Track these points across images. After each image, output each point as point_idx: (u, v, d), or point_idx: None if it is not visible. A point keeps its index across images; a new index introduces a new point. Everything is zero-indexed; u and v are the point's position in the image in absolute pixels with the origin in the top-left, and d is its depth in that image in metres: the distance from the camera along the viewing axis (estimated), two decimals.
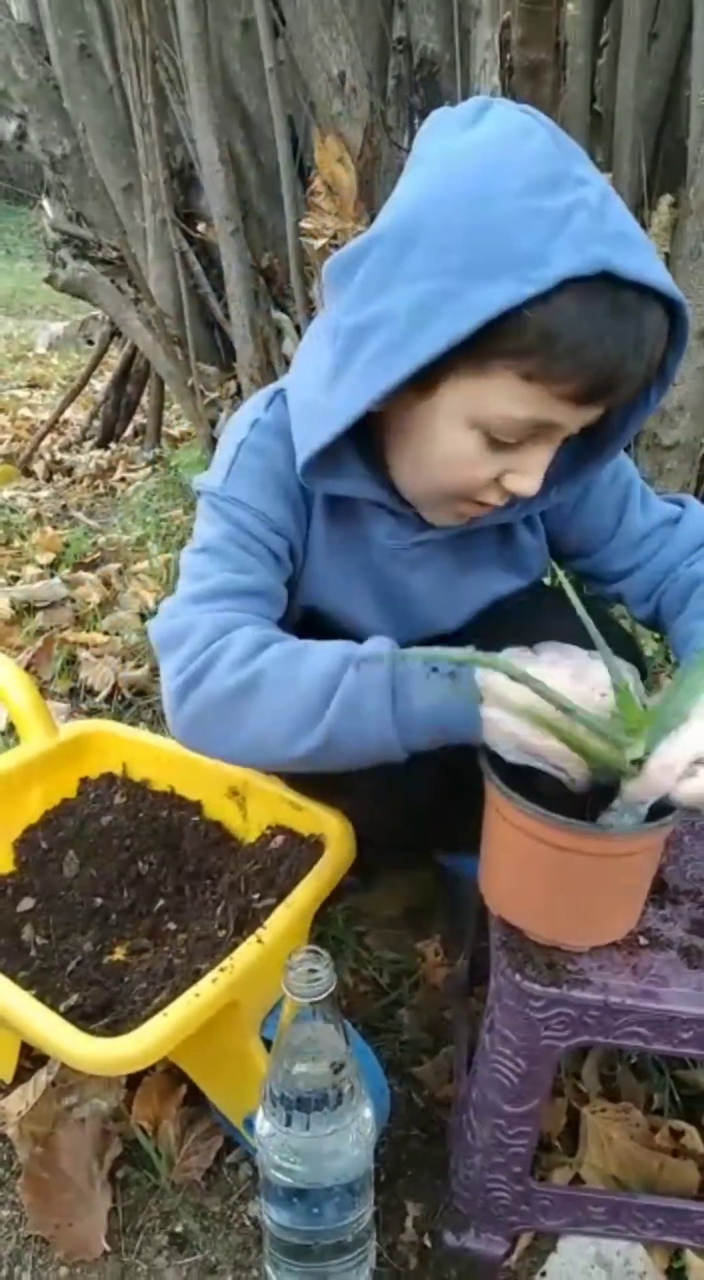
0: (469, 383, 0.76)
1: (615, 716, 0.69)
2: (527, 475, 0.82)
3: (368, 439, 0.88)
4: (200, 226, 2.29)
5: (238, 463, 0.91)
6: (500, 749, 0.75)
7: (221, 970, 0.82)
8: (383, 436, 0.88)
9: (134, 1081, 1.05)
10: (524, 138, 0.71)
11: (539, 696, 0.67)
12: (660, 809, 0.72)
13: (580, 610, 0.68)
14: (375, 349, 0.75)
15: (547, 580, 1.15)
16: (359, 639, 0.84)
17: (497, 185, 0.69)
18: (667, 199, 1.66)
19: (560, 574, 0.79)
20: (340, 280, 0.79)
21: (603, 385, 0.74)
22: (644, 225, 1.70)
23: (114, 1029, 0.85)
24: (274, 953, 0.85)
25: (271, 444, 0.91)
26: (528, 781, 0.74)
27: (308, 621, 1.00)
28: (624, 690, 0.67)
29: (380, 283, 0.74)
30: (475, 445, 0.80)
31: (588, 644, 0.73)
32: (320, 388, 0.82)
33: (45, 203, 2.71)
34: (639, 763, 0.69)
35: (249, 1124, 0.90)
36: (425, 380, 0.76)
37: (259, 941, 0.86)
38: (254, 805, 1.09)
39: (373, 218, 1.63)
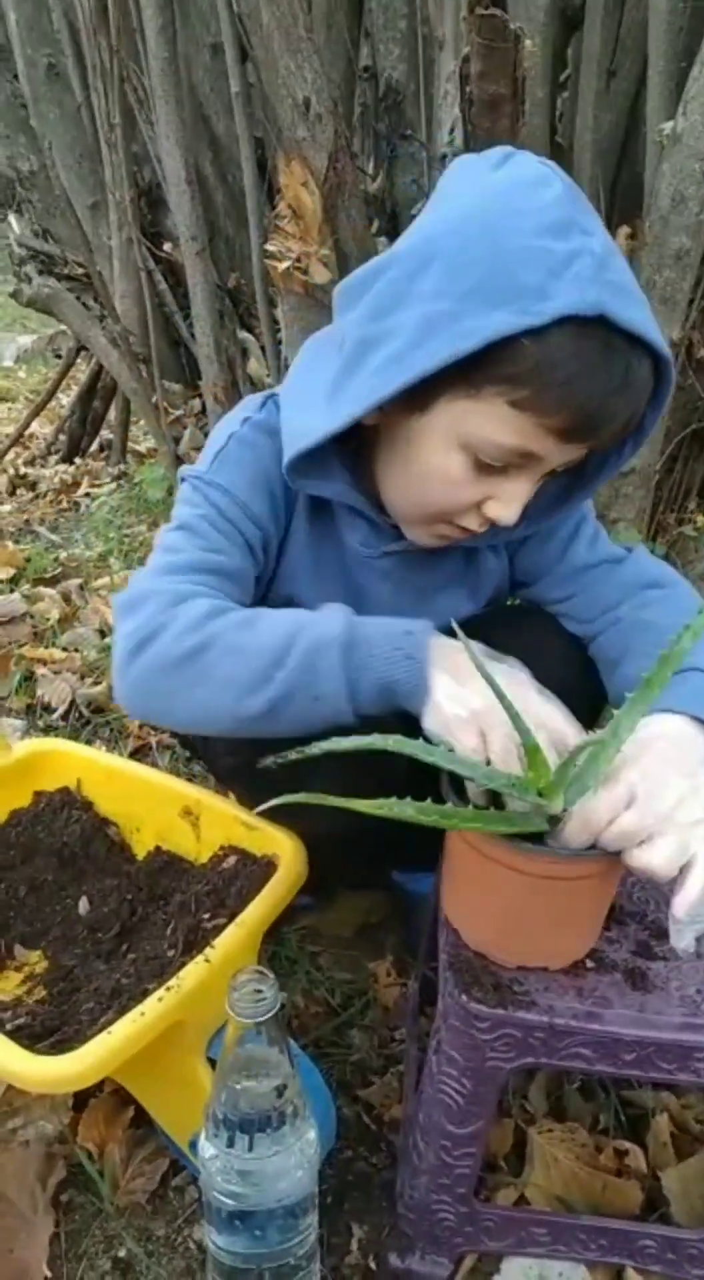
0: (463, 404, 0.79)
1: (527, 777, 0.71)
2: (507, 504, 0.84)
3: (357, 449, 0.91)
4: (167, 246, 2.31)
5: (226, 451, 0.95)
6: (434, 734, 0.77)
7: (168, 989, 0.82)
8: (374, 450, 0.91)
9: (81, 1103, 1.04)
10: (541, 186, 0.75)
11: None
12: None
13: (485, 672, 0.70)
14: (380, 360, 0.79)
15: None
16: None
17: (511, 223, 0.73)
18: (624, 230, 1.70)
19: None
20: (351, 298, 0.83)
21: (587, 423, 0.77)
22: None
23: (60, 1049, 0.84)
24: (222, 972, 0.85)
25: (261, 440, 0.94)
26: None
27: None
28: (533, 751, 0.68)
29: (393, 300, 0.78)
30: (461, 467, 0.82)
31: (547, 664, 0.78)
32: (320, 393, 0.86)
33: (12, 218, 2.71)
34: (556, 819, 0.71)
35: (195, 1146, 0.89)
36: (422, 396, 0.79)
37: (207, 961, 0.85)
38: (207, 826, 1.08)
39: (337, 242, 1.66)
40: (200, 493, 0.93)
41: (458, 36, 1.61)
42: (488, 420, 0.78)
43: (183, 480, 0.96)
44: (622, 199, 1.82)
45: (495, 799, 0.76)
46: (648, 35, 1.63)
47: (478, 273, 0.73)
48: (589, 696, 1.01)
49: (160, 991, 0.81)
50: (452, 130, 1.59)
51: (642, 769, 0.72)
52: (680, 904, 0.70)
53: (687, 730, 0.80)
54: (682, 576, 1.02)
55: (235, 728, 0.84)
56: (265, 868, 0.99)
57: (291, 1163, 0.73)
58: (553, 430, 0.77)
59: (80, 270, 2.60)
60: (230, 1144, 0.72)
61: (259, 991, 0.70)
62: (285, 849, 0.98)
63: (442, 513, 0.88)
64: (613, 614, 0.99)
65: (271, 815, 1.01)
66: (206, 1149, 0.74)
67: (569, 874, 0.73)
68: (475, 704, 0.75)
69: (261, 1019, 0.69)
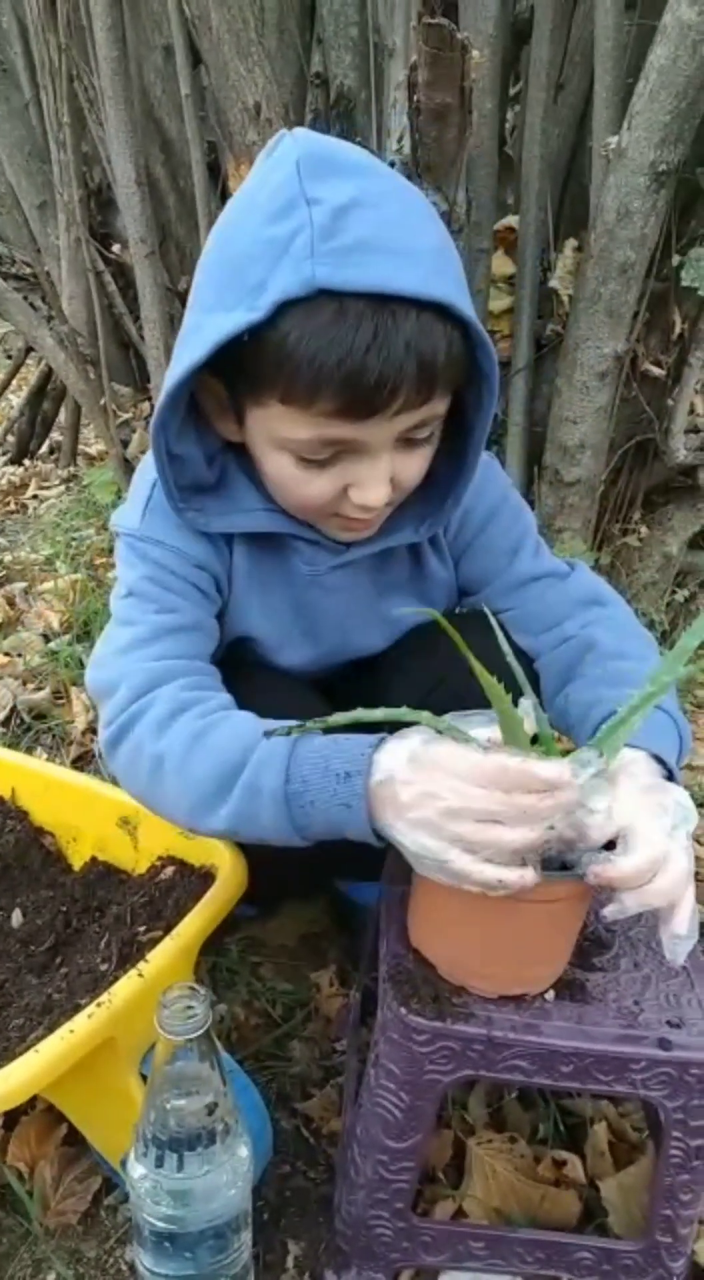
0: (256, 412, 0.80)
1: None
2: (364, 488, 0.82)
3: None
4: (116, 247, 2.28)
5: (153, 501, 0.92)
6: (421, 867, 0.72)
7: (98, 1005, 0.80)
8: None
9: (11, 1121, 1.01)
10: (277, 168, 0.74)
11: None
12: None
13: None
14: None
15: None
16: (284, 664, 0.97)
17: (243, 222, 0.75)
18: (571, 243, 1.71)
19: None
20: None
21: (356, 396, 0.73)
22: (549, 268, 1.76)
23: None
24: (155, 987, 0.82)
25: None
26: None
27: (238, 645, 1.01)
28: (547, 740, 0.68)
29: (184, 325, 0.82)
30: (292, 467, 0.82)
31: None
32: None
33: None
34: (601, 774, 0.68)
35: (127, 1164, 0.87)
36: (236, 412, 0.82)
37: (140, 975, 0.84)
38: (145, 835, 1.07)
39: None
40: (136, 551, 0.92)
41: (408, 45, 1.61)
42: (277, 421, 0.79)
43: (117, 537, 0.94)
44: (569, 212, 1.84)
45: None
46: (595, 51, 1.64)
47: (215, 281, 0.76)
48: None
49: (91, 1008, 0.80)
50: (400, 139, 1.59)
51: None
52: (681, 920, 0.69)
53: (635, 757, 0.78)
54: (618, 594, 1.04)
55: (209, 835, 0.85)
56: (204, 879, 0.98)
57: (223, 1181, 0.72)
58: (331, 414, 0.75)
59: (28, 270, 2.56)
60: (160, 1164, 0.70)
61: (190, 1008, 0.68)
62: (224, 859, 0.97)
63: (314, 510, 0.88)
64: (559, 630, 0.99)
65: None
66: (136, 1169, 0.72)
67: (553, 896, 0.71)
68: (429, 844, 0.68)
69: (192, 1036, 0.68)
